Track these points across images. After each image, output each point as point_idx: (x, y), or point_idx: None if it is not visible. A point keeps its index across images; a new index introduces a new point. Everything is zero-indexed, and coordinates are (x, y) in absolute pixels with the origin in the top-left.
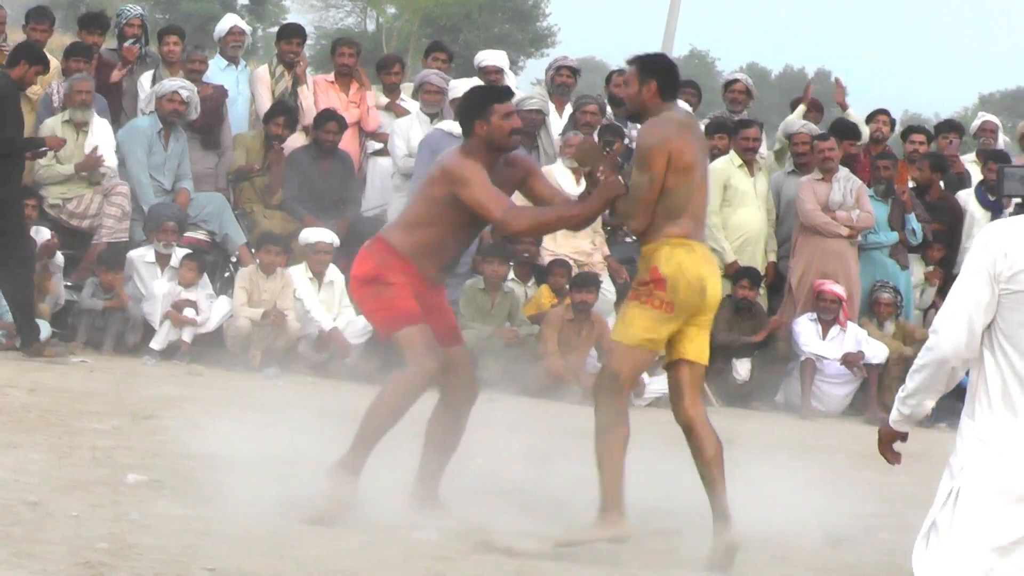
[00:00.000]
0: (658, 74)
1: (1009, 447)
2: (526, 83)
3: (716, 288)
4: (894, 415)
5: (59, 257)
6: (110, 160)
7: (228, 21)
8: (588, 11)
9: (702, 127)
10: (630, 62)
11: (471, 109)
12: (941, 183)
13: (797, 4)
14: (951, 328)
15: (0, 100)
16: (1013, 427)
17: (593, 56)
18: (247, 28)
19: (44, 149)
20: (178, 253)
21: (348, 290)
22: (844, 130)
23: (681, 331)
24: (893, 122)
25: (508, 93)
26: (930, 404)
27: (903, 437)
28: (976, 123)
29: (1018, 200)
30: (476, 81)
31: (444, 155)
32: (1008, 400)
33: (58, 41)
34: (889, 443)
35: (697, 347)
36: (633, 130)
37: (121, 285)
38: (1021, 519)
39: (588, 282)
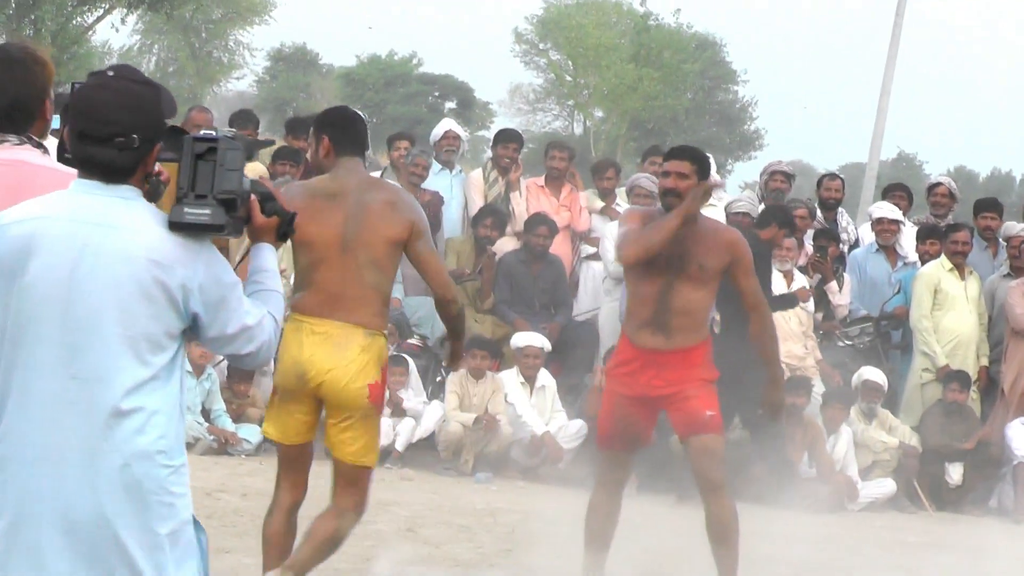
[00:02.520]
0: (330, 128)
1: None
2: (734, 186)
3: (321, 374)
4: None
5: None
6: None
7: (444, 125)
8: (795, 114)
9: (906, 230)
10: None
11: None
12: None
13: (1006, 108)
14: None
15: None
16: None
17: (800, 159)
18: (462, 133)
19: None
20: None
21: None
22: None
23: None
24: None
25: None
26: None
27: None
28: None
29: None
30: None
31: None
32: None
33: None
34: None
35: (340, 443)
36: (843, 232)
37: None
38: None
39: (799, 386)
